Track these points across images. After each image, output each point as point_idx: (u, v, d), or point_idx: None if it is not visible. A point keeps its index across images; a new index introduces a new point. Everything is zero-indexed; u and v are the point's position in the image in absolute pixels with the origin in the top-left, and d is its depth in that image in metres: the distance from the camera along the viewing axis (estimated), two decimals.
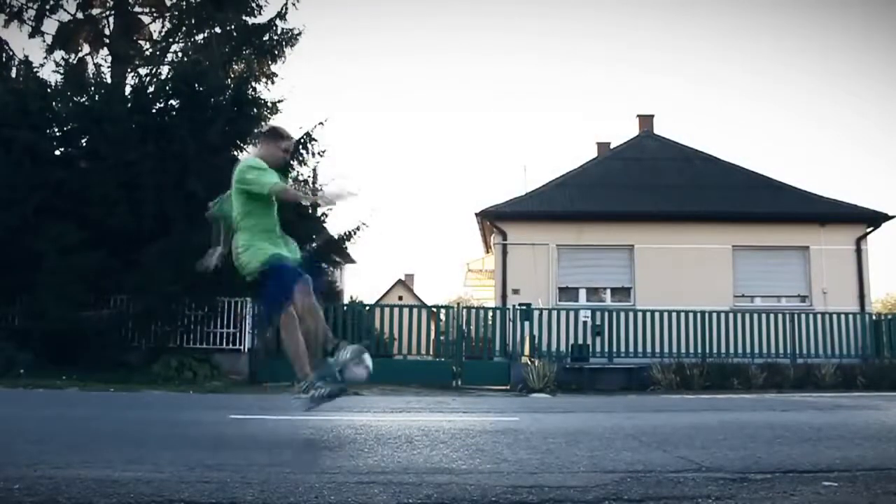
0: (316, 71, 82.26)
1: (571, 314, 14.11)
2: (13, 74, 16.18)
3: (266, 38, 17.13)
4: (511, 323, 13.88)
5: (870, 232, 16.97)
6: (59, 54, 16.57)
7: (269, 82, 17.30)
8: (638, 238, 16.97)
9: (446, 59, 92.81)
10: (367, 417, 6.20)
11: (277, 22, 17.01)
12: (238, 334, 13.22)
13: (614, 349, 13.75)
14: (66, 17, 16.96)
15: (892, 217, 16.94)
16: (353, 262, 26.05)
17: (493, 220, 17.33)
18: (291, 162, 15.11)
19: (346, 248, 16.89)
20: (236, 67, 16.92)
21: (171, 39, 17.26)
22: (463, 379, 13.06)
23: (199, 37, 17.24)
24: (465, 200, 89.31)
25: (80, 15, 17.03)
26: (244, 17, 17.02)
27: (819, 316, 14.32)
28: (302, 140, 15.25)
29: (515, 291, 16.46)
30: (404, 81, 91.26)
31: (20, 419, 5.74)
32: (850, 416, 6.42)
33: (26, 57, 15.94)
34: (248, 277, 4.35)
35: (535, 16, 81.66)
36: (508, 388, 12.54)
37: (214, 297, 13.02)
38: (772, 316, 14.24)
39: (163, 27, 17.35)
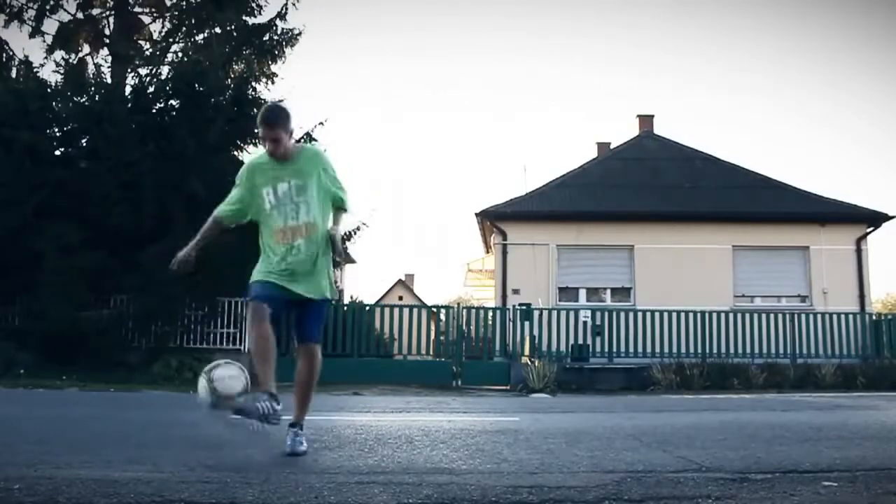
0: (316, 71, 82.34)
1: (571, 314, 14.11)
2: (13, 74, 16.18)
3: (266, 38, 17.14)
4: (511, 323, 13.88)
5: (870, 232, 16.97)
6: (59, 54, 16.60)
7: (269, 82, 17.31)
8: (638, 238, 16.96)
9: (447, 59, 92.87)
10: (367, 417, 6.20)
11: (277, 22, 17.02)
12: (238, 334, 13.22)
13: (614, 349, 13.75)
14: (66, 17, 16.98)
15: (892, 217, 16.95)
16: (353, 262, 26.06)
17: (493, 220, 17.33)
18: None
19: (346, 248, 16.88)
20: (236, 67, 16.92)
21: (171, 39, 17.27)
22: (463, 379, 13.06)
23: (199, 37, 17.25)
24: (465, 200, 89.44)
25: (80, 15, 17.03)
26: (244, 17, 17.02)
27: (819, 316, 14.32)
28: (302, 140, 15.26)
29: (515, 291, 16.46)
30: (404, 81, 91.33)
31: (20, 419, 5.73)
32: (850, 416, 6.42)
33: (26, 57, 15.96)
34: None
35: (536, 15, 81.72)
36: (508, 388, 12.54)
37: (214, 297, 13.03)
38: (772, 316, 14.23)
39: (163, 27, 17.37)
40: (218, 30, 17.01)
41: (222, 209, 4.00)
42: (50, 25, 16.93)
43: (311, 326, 3.93)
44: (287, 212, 3.82)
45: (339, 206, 3.99)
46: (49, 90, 14.51)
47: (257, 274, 3.87)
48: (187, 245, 3.99)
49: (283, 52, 17.20)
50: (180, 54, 17.01)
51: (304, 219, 3.83)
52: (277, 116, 3.88)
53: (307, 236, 3.82)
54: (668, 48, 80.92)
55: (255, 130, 3.95)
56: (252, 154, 4.20)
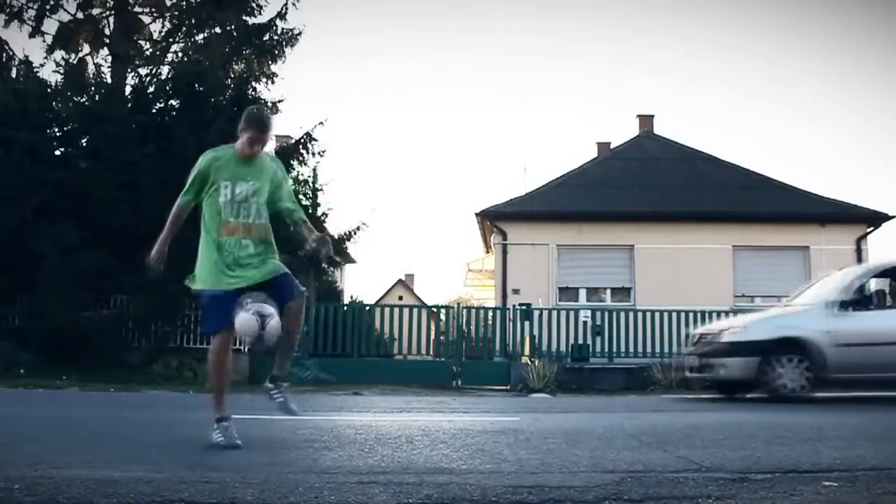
0: (316, 71, 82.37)
1: (571, 314, 14.09)
2: (13, 74, 16.20)
3: (266, 38, 17.15)
4: (511, 323, 13.87)
5: (870, 232, 16.97)
6: (59, 54, 16.62)
7: (269, 82, 17.33)
8: (638, 238, 16.96)
9: (446, 59, 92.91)
10: (367, 417, 6.20)
11: (277, 22, 17.04)
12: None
13: (614, 349, 13.73)
14: (66, 17, 17.00)
15: (892, 217, 16.94)
16: (353, 262, 26.09)
17: (493, 220, 17.33)
18: (291, 162, 15.14)
19: (346, 248, 16.91)
20: (236, 67, 16.93)
21: (171, 39, 17.28)
22: (463, 379, 13.05)
23: (199, 37, 17.26)
24: (465, 200, 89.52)
25: (80, 15, 17.05)
26: (244, 17, 17.04)
27: None
28: (302, 140, 15.28)
29: (515, 291, 16.45)
30: (404, 81, 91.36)
31: (20, 419, 5.74)
32: (849, 416, 6.42)
33: (26, 57, 16.00)
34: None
35: (536, 16, 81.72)
36: (508, 388, 12.53)
37: None
38: None
39: (163, 27, 17.39)
40: (218, 30, 17.02)
41: (185, 200, 4.11)
42: (50, 25, 16.97)
43: (290, 289, 4.01)
44: (240, 210, 3.99)
45: (299, 220, 4.16)
46: (49, 90, 14.53)
47: (209, 275, 3.98)
48: (157, 244, 4.12)
49: (283, 52, 17.22)
50: (180, 54, 17.02)
51: (255, 220, 4.02)
52: (271, 124, 4.11)
53: (254, 237, 4.01)
54: (668, 48, 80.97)
55: (240, 128, 4.05)
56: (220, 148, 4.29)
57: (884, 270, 9.54)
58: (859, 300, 8.82)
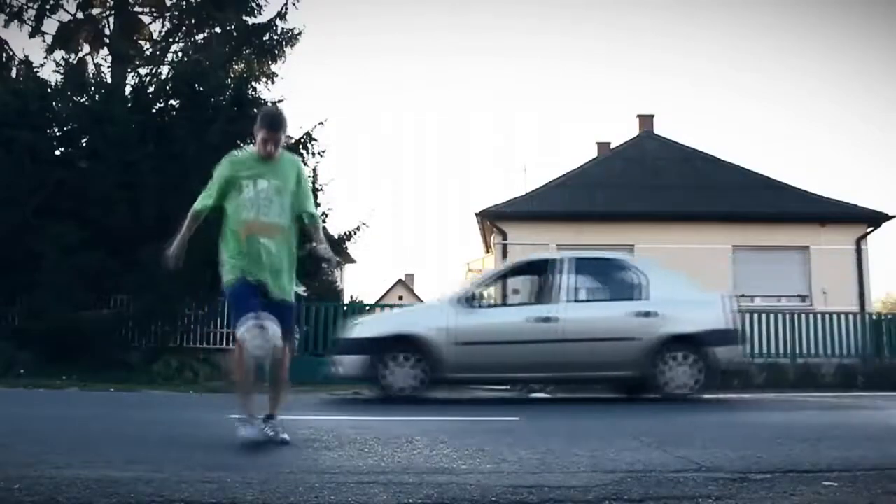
0: (316, 71, 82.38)
1: None
2: (13, 74, 16.21)
3: (266, 38, 17.15)
4: None
5: (870, 232, 16.95)
6: (59, 54, 16.64)
7: (269, 82, 17.34)
8: (638, 238, 16.93)
9: (446, 59, 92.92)
10: (367, 417, 6.20)
11: (277, 22, 17.05)
12: None
13: None
14: (66, 17, 17.01)
15: (892, 217, 16.92)
16: (353, 262, 26.08)
17: (493, 220, 17.31)
18: None
19: (346, 248, 16.90)
20: (236, 67, 16.93)
21: (171, 39, 17.28)
22: None
23: (199, 37, 17.27)
24: (465, 200, 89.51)
25: (80, 15, 17.05)
26: (244, 17, 17.05)
27: (819, 316, 14.28)
28: (302, 140, 15.27)
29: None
30: (404, 81, 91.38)
31: (20, 419, 5.73)
32: (850, 416, 6.42)
33: (26, 57, 16.04)
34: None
35: (535, 15, 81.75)
36: (508, 387, 12.52)
37: (214, 297, 13.03)
38: (772, 316, 14.20)
39: (163, 27, 17.40)
40: (218, 30, 17.03)
41: (204, 204, 4.14)
42: (50, 25, 16.97)
43: (286, 326, 3.99)
44: (261, 207, 3.98)
45: (314, 224, 4.15)
46: (49, 90, 14.53)
47: (231, 271, 3.96)
48: (175, 241, 4.11)
49: (283, 52, 17.23)
50: (180, 54, 17.03)
51: (275, 219, 3.99)
52: (282, 123, 4.10)
53: (274, 237, 3.98)
54: (668, 48, 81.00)
55: (254, 129, 4.09)
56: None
57: (519, 267, 9.21)
58: (476, 297, 8.39)
